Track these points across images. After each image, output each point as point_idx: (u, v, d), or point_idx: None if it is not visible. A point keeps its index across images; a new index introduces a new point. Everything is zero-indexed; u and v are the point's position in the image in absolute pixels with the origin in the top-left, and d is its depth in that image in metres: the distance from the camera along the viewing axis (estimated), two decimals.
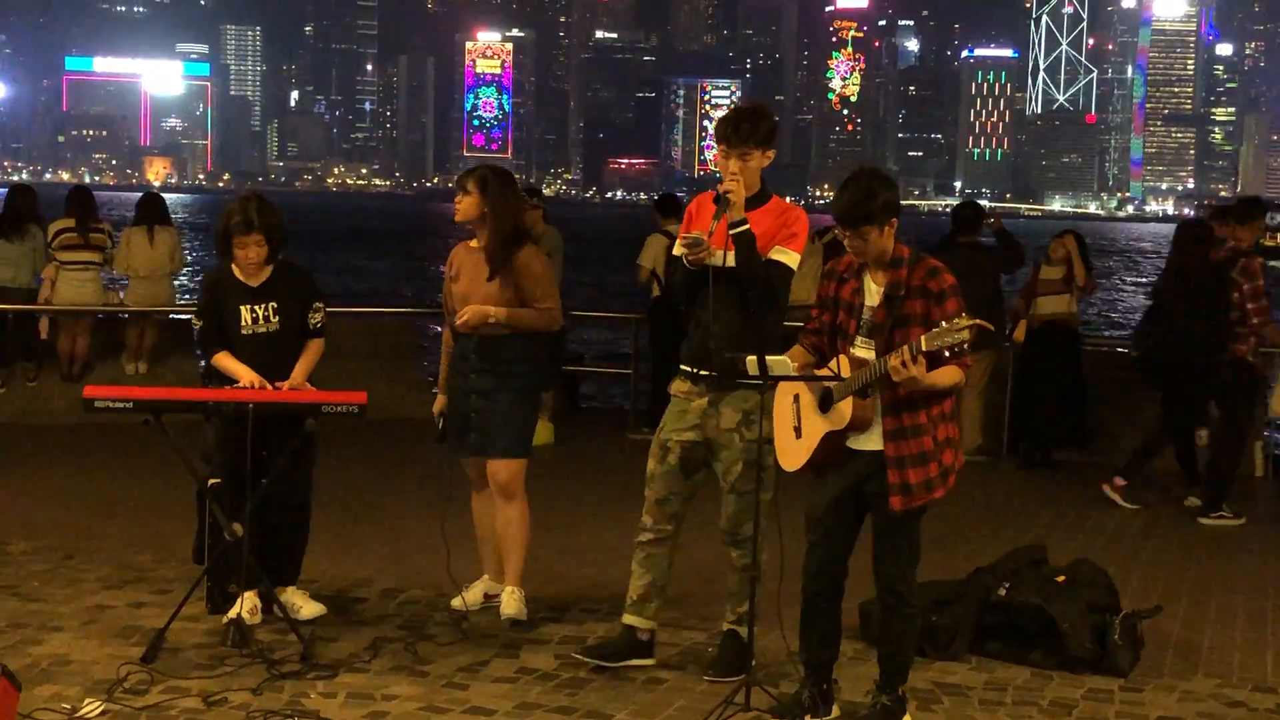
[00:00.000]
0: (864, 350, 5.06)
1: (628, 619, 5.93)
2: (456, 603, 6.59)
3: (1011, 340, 11.34)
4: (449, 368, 6.53)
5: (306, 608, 6.40)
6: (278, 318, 6.29)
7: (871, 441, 5.09)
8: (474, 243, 6.46)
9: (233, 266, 6.30)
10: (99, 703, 5.24)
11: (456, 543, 6.69)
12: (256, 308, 6.27)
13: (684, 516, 5.93)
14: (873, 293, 5.10)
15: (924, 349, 4.78)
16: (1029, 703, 5.66)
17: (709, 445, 5.76)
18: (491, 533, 6.64)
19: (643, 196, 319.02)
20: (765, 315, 5.65)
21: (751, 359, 5.16)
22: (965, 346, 4.75)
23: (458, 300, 6.42)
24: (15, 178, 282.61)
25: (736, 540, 5.75)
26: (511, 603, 6.48)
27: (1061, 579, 6.31)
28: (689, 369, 5.79)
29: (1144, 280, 60.33)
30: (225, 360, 6.28)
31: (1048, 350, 11.15)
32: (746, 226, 5.53)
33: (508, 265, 6.31)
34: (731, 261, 5.55)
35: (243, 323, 6.27)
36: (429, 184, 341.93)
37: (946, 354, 4.77)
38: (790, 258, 5.63)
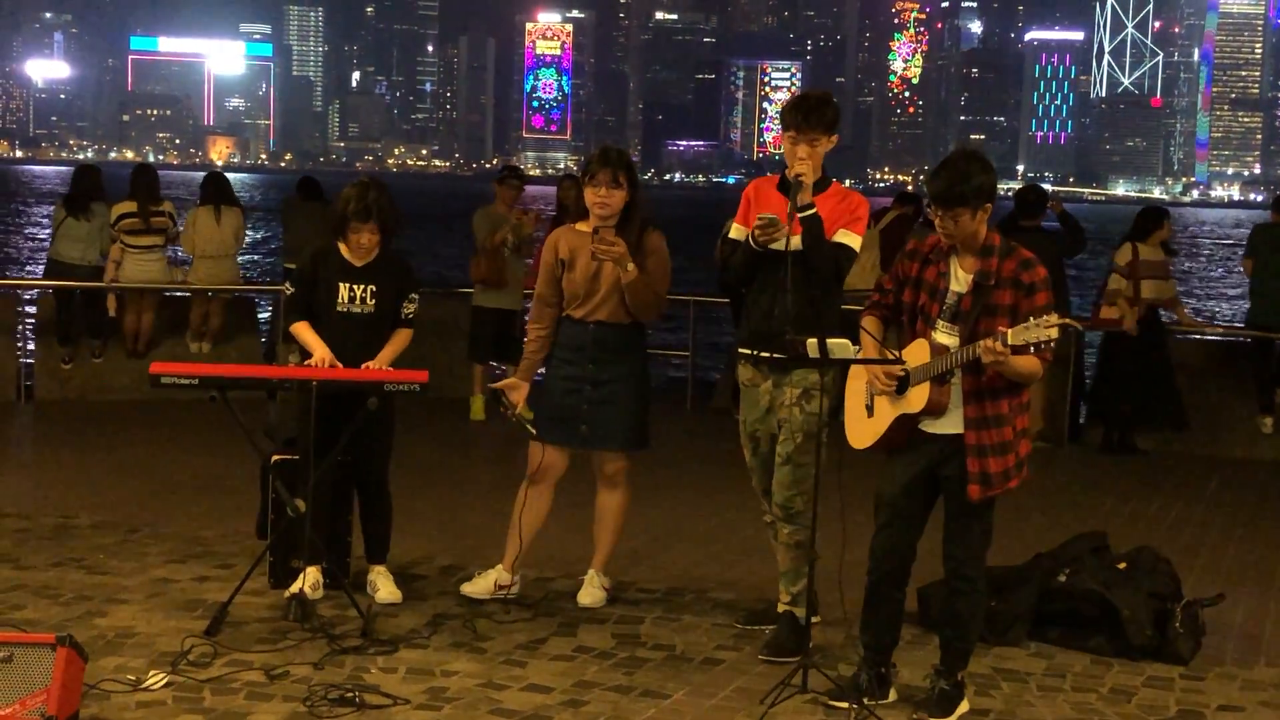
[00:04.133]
0: (946, 335, 5.03)
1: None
2: (466, 588, 6.46)
3: (1121, 330, 11.05)
4: (554, 357, 6.33)
5: (384, 591, 6.39)
6: (374, 301, 6.32)
7: (949, 425, 5.06)
8: (581, 226, 6.23)
9: (340, 244, 6.35)
10: (163, 674, 5.31)
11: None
12: (355, 287, 6.31)
13: None
14: (959, 278, 5.06)
15: (1010, 343, 4.74)
16: (1088, 690, 5.63)
17: (778, 425, 5.81)
18: (528, 524, 6.41)
19: (701, 179, 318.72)
20: (828, 297, 5.73)
21: (812, 341, 5.18)
22: (1051, 344, 4.74)
23: (579, 287, 6.19)
24: (80, 156, 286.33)
25: (789, 515, 5.77)
26: (590, 591, 6.46)
27: (1123, 566, 6.27)
28: (749, 352, 5.85)
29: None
30: (303, 330, 6.32)
31: (1145, 333, 11.01)
32: (815, 210, 5.62)
33: (643, 251, 6.17)
34: (796, 244, 5.61)
35: (339, 299, 6.30)
36: (488, 165, 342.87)
37: (1031, 349, 4.75)
38: (854, 240, 5.74)
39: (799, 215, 5.58)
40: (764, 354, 5.77)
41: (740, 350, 5.92)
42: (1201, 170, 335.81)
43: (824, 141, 5.72)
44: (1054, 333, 4.68)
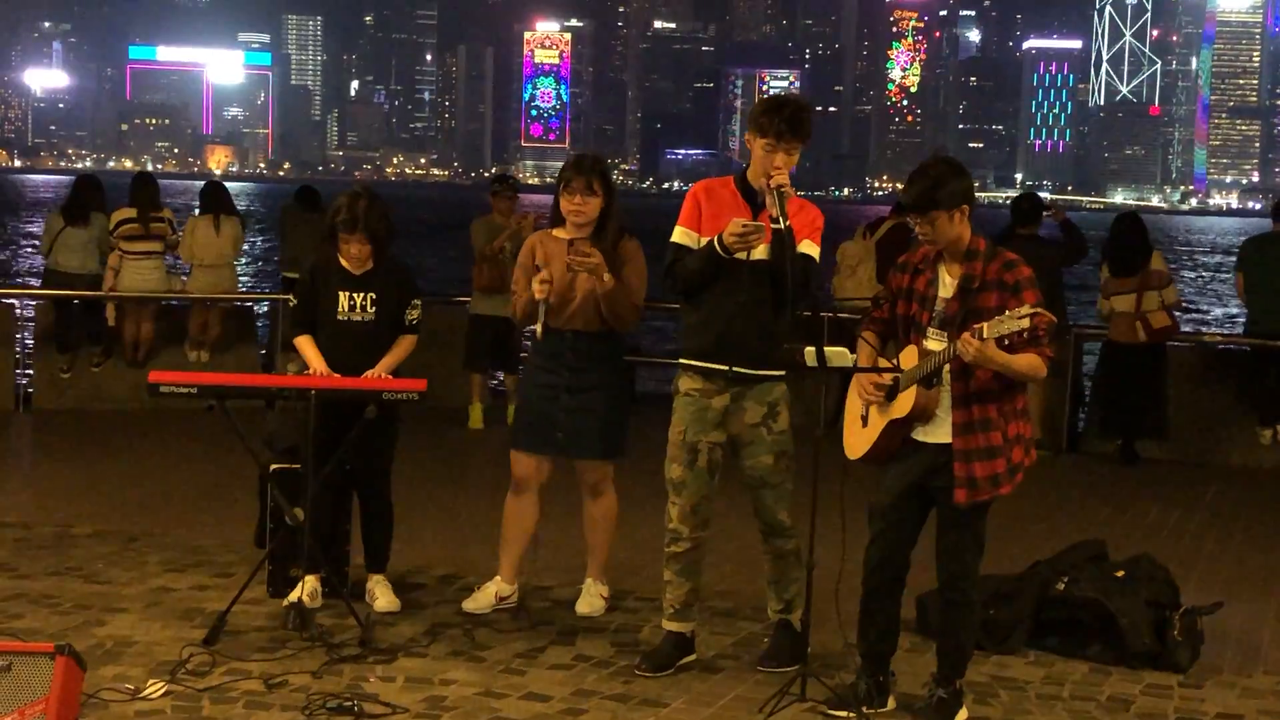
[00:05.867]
0: (935, 342, 5.04)
1: (671, 626, 5.81)
2: (468, 605, 6.44)
3: (1131, 340, 11.05)
4: (531, 365, 6.36)
5: (382, 600, 6.39)
6: (374, 308, 6.32)
7: (939, 434, 5.07)
8: (557, 233, 6.23)
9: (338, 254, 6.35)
10: (161, 683, 5.32)
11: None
12: (355, 295, 6.31)
13: (712, 518, 5.87)
14: (946, 284, 5.08)
15: (985, 336, 4.77)
16: (1087, 698, 5.63)
17: (732, 443, 5.70)
18: (519, 534, 6.44)
19: None
20: (796, 308, 5.57)
21: (810, 350, 5.16)
22: (1024, 336, 4.74)
23: (554, 294, 6.13)
24: (79, 165, 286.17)
25: (774, 532, 5.74)
26: (588, 599, 6.47)
27: (1121, 574, 6.27)
28: (701, 364, 5.65)
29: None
30: (304, 345, 6.33)
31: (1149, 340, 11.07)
32: (789, 221, 5.46)
33: (619, 260, 6.14)
34: (759, 254, 5.50)
35: (340, 308, 6.31)
36: (486, 174, 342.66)
37: (1006, 342, 4.76)
38: (815, 251, 5.63)
39: (773, 227, 5.42)
40: (721, 367, 5.58)
41: (689, 362, 5.68)
42: (1200, 160, 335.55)
43: (798, 150, 5.58)
44: (1026, 323, 4.69)
